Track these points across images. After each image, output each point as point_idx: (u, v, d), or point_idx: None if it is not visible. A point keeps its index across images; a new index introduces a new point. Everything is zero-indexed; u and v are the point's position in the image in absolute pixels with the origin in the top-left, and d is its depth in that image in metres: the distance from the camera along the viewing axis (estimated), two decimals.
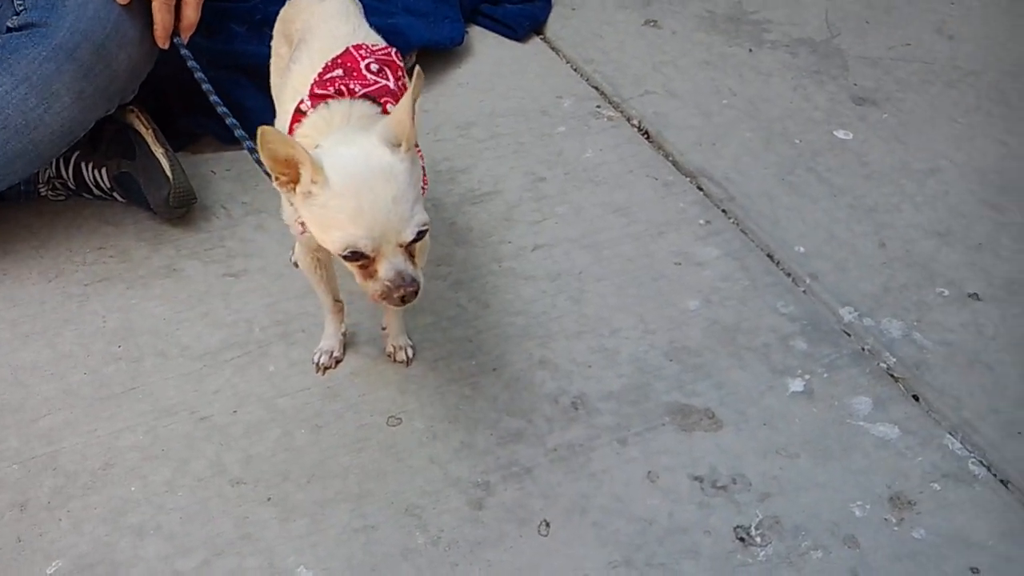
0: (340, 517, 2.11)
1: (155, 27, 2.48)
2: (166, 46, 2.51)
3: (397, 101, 1.95)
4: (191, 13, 2.48)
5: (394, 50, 2.16)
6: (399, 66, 2.13)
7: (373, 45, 2.12)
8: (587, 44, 3.60)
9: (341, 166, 1.74)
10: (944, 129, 3.23)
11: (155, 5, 2.45)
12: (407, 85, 1.99)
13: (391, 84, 2.03)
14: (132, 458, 2.21)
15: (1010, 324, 2.58)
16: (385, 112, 1.97)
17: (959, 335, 2.56)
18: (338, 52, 2.06)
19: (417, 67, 1.81)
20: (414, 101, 1.77)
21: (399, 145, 1.76)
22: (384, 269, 1.77)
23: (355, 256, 1.77)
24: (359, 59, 2.05)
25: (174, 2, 2.47)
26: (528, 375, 2.43)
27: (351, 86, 1.97)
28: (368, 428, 2.28)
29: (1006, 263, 2.76)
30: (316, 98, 1.95)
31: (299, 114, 1.95)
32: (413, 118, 1.75)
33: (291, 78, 2.13)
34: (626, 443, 2.28)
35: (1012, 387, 2.43)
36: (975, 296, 2.67)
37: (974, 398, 2.40)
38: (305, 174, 1.73)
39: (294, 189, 1.77)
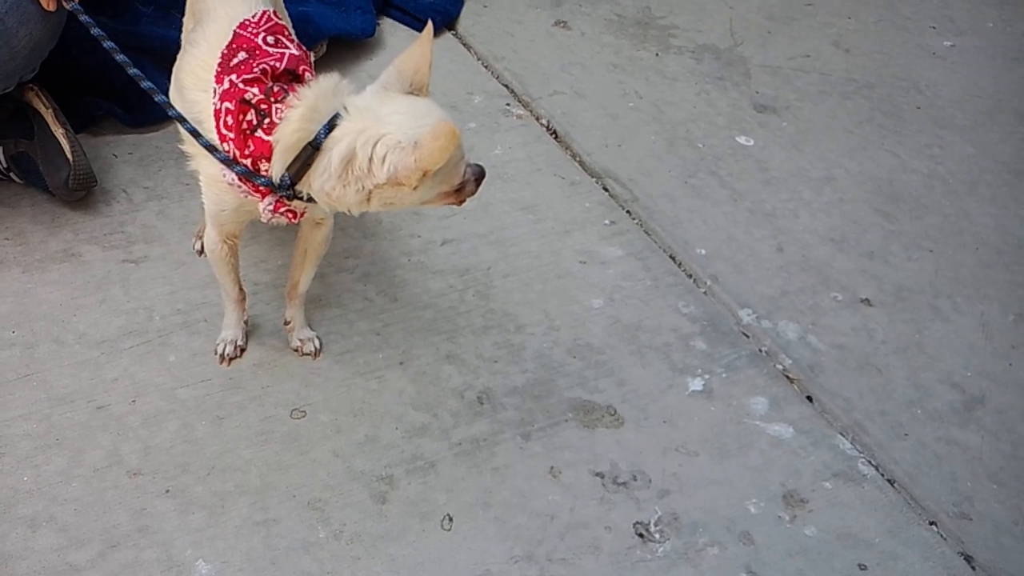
0: (240, 510, 2.08)
1: None
2: (52, 8, 2.39)
3: (306, 62, 2.01)
4: None
5: (270, 10, 2.13)
6: (283, 25, 2.12)
7: (253, 17, 2.09)
8: (498, 42, 3.62)
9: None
10: (840, 139, 3.35)
11: None
12: (300, 45, 2.09)
13: (293, 49, 2.03)
14: (25, 447, 2.14)
15: (899, 329, 2.70)
16: (302, 80, 1.96)
17: (851, 339, 2.66)
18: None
19: (429, 23, 1.99)
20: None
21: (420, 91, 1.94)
22: (471, 171, 2.00)
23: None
24: (254, 36, 2.03)
25: None
26: (434, 369, 2.43)
27: (271, 64, 1.95)
28: (271, 421, 2.26)
29: (896, 270, 2.88)
30: (249, 84, 1.92)
31: (244, 105, 1.89)
32: (429, 69, 1.95)
33: (188, 61, 2.09)
34: (529, 438, 2.31)
35: (899, 390, 2.54)
36: (867, 301, 2.77)
37: (864, 400, 2.50)
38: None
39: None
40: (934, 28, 3.94)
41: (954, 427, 2.46)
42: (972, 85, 3.65)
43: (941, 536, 2.24)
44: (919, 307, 2.77)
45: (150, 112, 2.90)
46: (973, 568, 2.18)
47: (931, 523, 2.26)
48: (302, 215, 2.05)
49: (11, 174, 2.65)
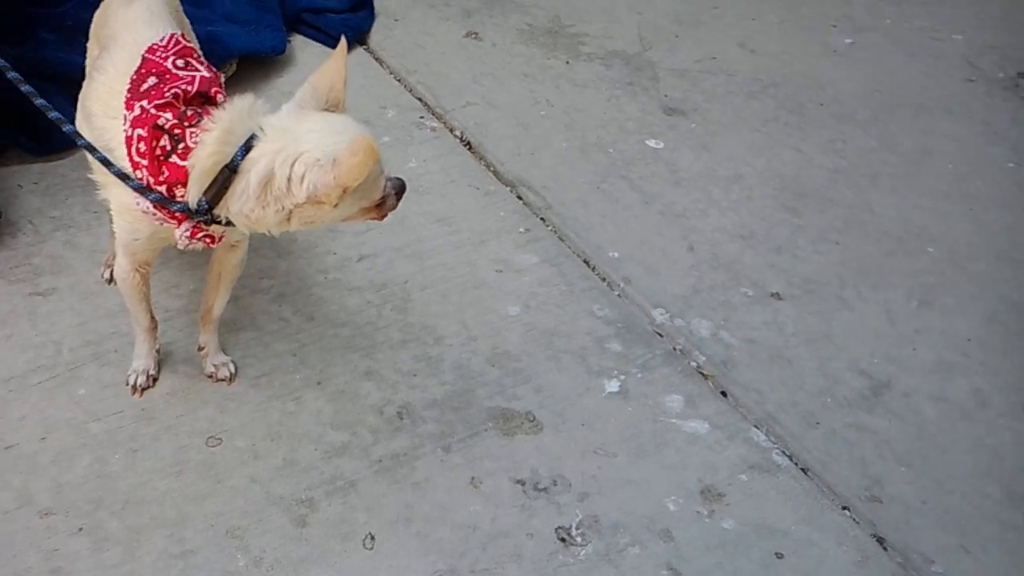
0: (156, 543, 2.06)
1: None
2: None
3: (218, 84, 2.01)
4: None
5: (178, 33, 2.13)
6: (191, 47, 2.12)
7: (160, 40, 2.08)
8: (410, 55, 3.63)
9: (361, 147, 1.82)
10: (747, 138, 3.42)
11: None
12: (211, 66, 2.08)
13: (204, 71, 2.02)
14: None
15: (807, 321, 2.76)
16: (215, 103, 1.95)
17: (762, 333, 2.72)
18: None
19: (342, 38, 1.98)
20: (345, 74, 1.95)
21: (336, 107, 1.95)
22: (391, 184, 2.02)
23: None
24: (163, 60, 2.02)
25: None
26: (353, 387, 2.44)
27: (183, 88, 1.95)
28: (186, 450, 2.24)
29: (804, 263, 2.95)
30: (161, 108, 1.90)
31: (158, 131, 1.88)
32: (345, 85, 1.95)
33: (96, 88, 2.07)
34: (450, 450, 2.32)
35: (809, 380, 2.60)
36: (776, 295, 2.84)
37: (776, 392, 2.56)
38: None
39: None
40: (835, 27, 4.04)
41: (863, 413, 2.53)
42: (872, 80, 3.74)
43: (854, 520, 2.29)
44: (826, 298, 2.84)
45: (55, 140, 2.87)
46: (885, 549, 2.24)
47: (844, 508, 2.32)
48: (220, 239, 2.04)
49: None
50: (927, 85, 3.75)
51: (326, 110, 1.94)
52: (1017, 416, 2.56)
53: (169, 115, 1.89)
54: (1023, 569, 2.22)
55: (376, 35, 3.72)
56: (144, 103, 1.93)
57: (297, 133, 1.86)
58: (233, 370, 2.40)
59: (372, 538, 2.13)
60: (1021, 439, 2.50)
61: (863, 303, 2.83)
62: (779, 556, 2.21)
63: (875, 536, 2.27)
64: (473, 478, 2.28)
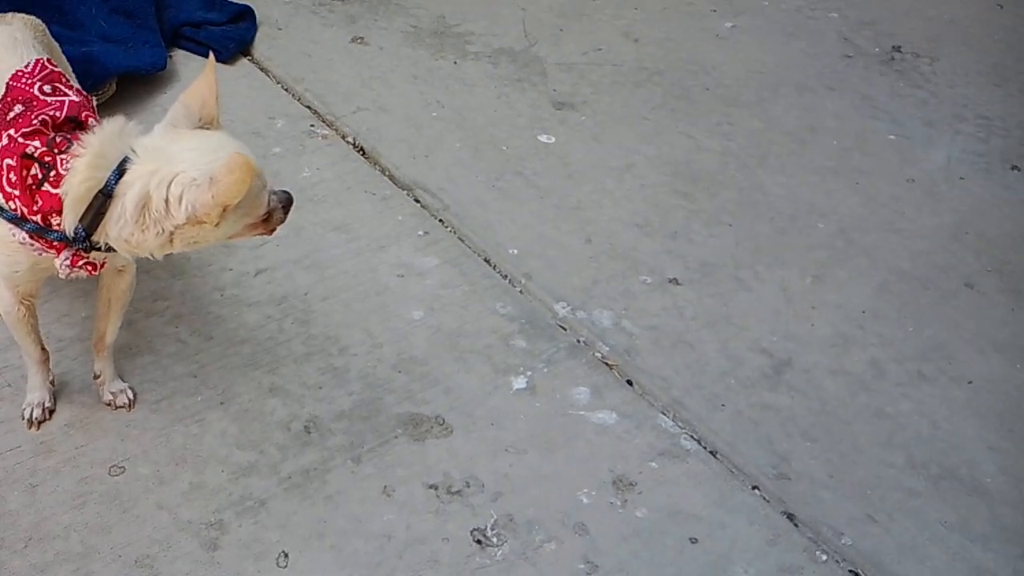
0: None
1: None
2: None
3: (88, 107, 1.98)
4: None
5: (44, 58, 2.08)
6: (59, 72, 2.07)
7: (25, 67, 2.03)
8: (296, 63, 3.59)
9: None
10: (636, 127, 3.46)
11: None
12: (81, 90, 2.05)
13: (72, 96, 1.98)
14: None
15: (706, 304, 2.82)
16: (86, 127, 1.91)
17: (662, 319, 2.76)
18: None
19: (211, 54, 1.96)
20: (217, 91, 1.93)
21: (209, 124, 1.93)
22: (276, 198, 1.98)
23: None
24: (29, 87, 1.97)
25: None
26: (258, 404, 2.40)
27: (51, 113, 1.90)
28: (89, 481, 2.18)
29: (699, 247, 3.00)
30: (29, 137, 1.85)
31: (27, 160, 1.82)
32: (217, 100, 1.93)
33: None
34: (360, 461, 2.31)
35: (712, 363, 2.65)
36: (675, 281, 2.88)
37: (680, 376, 2.60)
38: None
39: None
40: (715, 11, 4.12)
41: (766, 392, 2.59)
42: (754, 62, 3.83)
43: (764, 499, 2.35)
44: (723, 280, 2.89)
45: None
46: (796, 525, 2.30)
47: (754, 487, 2.37)
48: (102, 266, 1.99)
49: None
50: (807, 63, 3.85)
51: (200, 127, 1.91)
52: (915, 384, 2.65)
53: (38, 143, 1.85)
54: (928, 534, 2.30)
55: (260, 45, 3.66)
56: (11, 132, 1.88)
57: (171, 153, 1.83)
58: (132, 396, 2.35)
59: (286, 556, 2.11)
60: (920, 407, 2.59)
61: (759, 283, 2.90)
62: (693, 541, 2.24)
63: (785, 513, 2.32)
64: (386, 487, 2.26)
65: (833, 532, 2.28)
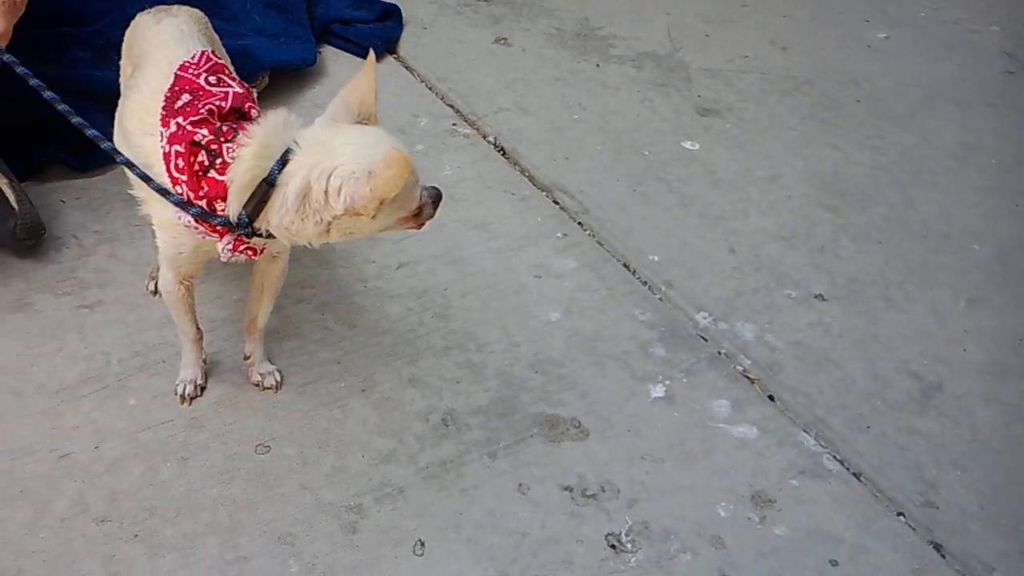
0: (211, 550, 2.06)
1: None
2: None
3: (251, 99, 2.03)
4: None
5: (208, 50, 2.15)
6: (222, 64, 2.14)
7: (191, 58, 2.10)
8: (440, 63, 3.63)
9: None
10: (783, 136, 3.39)
11: None
12: (243, 82, 2.10)
13: (236, 87, 2.04)
14: None
15: (853, 322, 2.74)
16: (249, 117, 1.97)
17: (807, 335, 2.69)
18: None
19: (371, 52, 2.01)
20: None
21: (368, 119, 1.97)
22: (427, 194, 2.02)
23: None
24: (195, 77, 2.04)
25: None
26: (398, 394, 2.43)
27: (217, 104, 1.96)
28: (236, 458, 2.24)
29: (847, 263, 2.92)
30: (196, 125, 1.92)
31: (195, 147, 1.90)
32: (376, 98, 1.98)
33: (131, 106, 2.09)
34: (496, 457, 2.31)
35: (858, 382, 2.58)
36: (820, 296, 2.81)
37: (824, 395, 2.53)
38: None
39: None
40: (868, 21, 4.01)
41: (914, 416, 2.50)
42: (908, 75, 3.71)
43: (909, 526, 2.26)
44: (872, 298, 2.81)
45: (96, 156, 2.87)
46: (943, 556, 2.21)
47: (899, 514, 2.29)
48: (262, 251, 2.05)
49: None
50: (965, 78, 3.72)
51: (359, 122, 1.95)
52: None
53: (205, 131, 1.92)
54: None
55: (406, 44, 3.72)
56: (180, 120, 1.95)
57: (332, 146, 1.87)
58: (279, 378, 2.41)
59: (422, 544, 2.13)
60: None
61: (909, 302, 2.80)
62: (834, 563, 2.18)
63: (932, 543, 2.23)
64: (520, 484, 2.27)
65: (983, 566, 2.19)
